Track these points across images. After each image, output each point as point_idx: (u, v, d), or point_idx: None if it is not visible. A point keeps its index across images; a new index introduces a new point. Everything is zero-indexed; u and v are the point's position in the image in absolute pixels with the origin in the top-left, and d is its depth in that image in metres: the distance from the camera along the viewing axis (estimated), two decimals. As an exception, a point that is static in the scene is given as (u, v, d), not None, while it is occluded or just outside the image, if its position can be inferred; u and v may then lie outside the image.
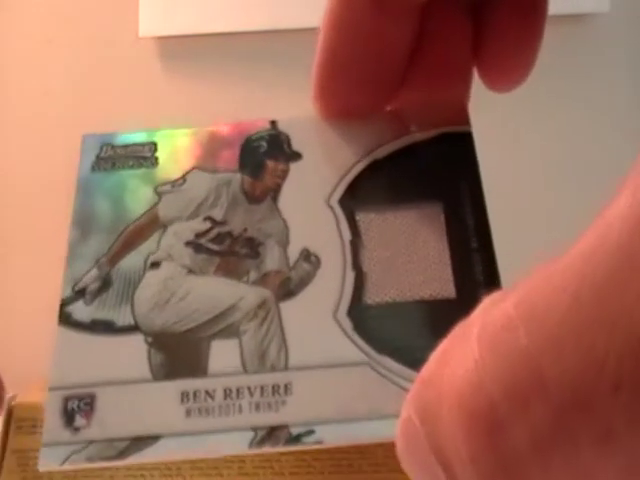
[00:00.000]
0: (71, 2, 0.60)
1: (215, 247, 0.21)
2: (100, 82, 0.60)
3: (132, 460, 0.19)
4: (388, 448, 0.27)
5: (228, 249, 0.21)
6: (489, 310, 0.14)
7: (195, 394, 0.19)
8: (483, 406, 0.13)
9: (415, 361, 0.18)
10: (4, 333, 0.59)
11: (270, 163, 0.22)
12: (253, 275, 0.21)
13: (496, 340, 0.14)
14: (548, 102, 0.59)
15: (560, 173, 0.57)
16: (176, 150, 0.23)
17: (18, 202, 0.61)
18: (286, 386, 0.19)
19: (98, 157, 0.23)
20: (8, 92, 0.61)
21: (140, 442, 0.19)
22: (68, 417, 0.19)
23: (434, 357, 0.15)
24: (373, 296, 0.20)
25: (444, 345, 0.15)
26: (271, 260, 0.21)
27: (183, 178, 0.23)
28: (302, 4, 0.55)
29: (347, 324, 0.20)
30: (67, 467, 0.19)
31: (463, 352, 0.14)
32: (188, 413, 0.19)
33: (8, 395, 0.28)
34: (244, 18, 0.57)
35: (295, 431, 0.19)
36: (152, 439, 0.19)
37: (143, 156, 0.23)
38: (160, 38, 0.58)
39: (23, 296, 0.60)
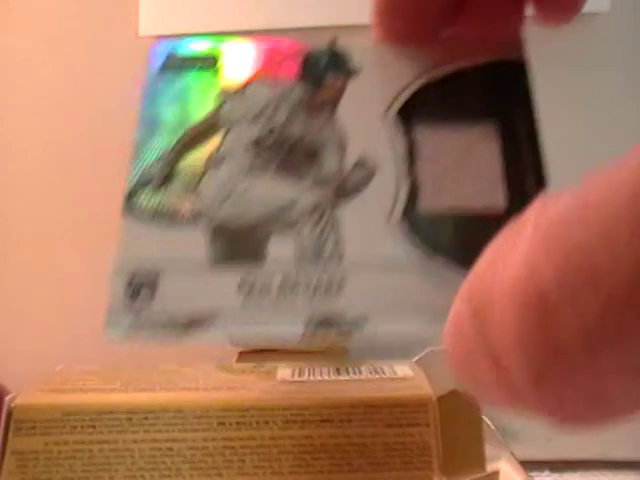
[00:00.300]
0: (71, 1, 0.60)
1: (274, 150, 0.22)
2: (100, 81, 0.60)
3: (191, 339, 0.20)
4: (388, 447, 0.27)
5: (286, 153, 0.22)
6: (543, 207, 0.14)
7: (252, 284, 0.20)
8: (535, 293, 0.14)
9: (466, 261, 0.18)
10: (4, 333, 0.58)
11: (330, 76, 0.23)
12: (310, 178, 0.22)
13: (550, 234, 0.14)
14: (548, 101, 0.59)
15: (559, 172, 0.57)
16: (240, 58, 0.24)
17: (19, 208, 0.61)
18: (339, 282, 0.20)
19: (165, 60, 0.24)
20: (9, 91, 0.61)
21: (199, 323, 0.20)
22: (131, 297, 0.21)
23: (487, 252, 0.15)
24: (426, 204, 0.21)
25: (497, 240, 0.15)
26: (328, 165, 0.22)
27: (245, 85, 0.24)
28: (303, 4, 0.55)
29: (400, 228, 0.21)
30: (129, 341, 0.20)
31: (516, 246, 0.14)
32: (245, 301, 0.20)
33: (8, 396, 0.28)
34: (245, 17, 0.57)
35: (348, 322, 0.20)
36: (210, 321, 0.20)
37: (208, 61, 0.24)
38: (160, 37, 0.58)
39: (24, 296, 0.59)
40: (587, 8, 0.55)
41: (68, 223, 0.60)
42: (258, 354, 0.46)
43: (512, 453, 0.31)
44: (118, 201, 0.65)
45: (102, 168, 0.60)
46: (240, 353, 0.46)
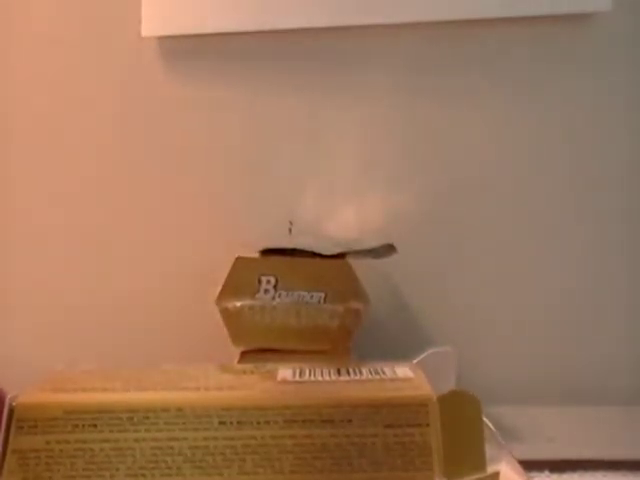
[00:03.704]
0: (73, 1, 0.60)
1: None
2: (102, 81, 0.60)
3: None
4: (389, 447, 0.27)
5: None
6: None
7: None
8: None
9: None
10: (4, 333, 0.59)
11: None
12: None
13: None
14: (549, 102, 0.59)
15: (559, 173, 0.57)
16: None
17: (20, 209, 0.61)
18: None
19: None
20: (10, 91, 0.61)
21: None
22: None
23: None
24: None
25: None
26: None
27: None
28: (306, 4, 0.55)
29: None
30: None
31: None
32: None
33: (9, 395, 0.28)
34: (247, 18, 0.57)
35: None
36: None
37: None
38: (162, 38, 0.58)
39: (23, 296, 0.60)
40: (589, 7, 0.55)
41: (68, 225, 0.60)
42: (260, 354, 0.46)
43: (512, 453, 0.31)
44: (119, 202, 0.65)
45: (105, 168, 0.60)
46: (242, 353, 0.46)
